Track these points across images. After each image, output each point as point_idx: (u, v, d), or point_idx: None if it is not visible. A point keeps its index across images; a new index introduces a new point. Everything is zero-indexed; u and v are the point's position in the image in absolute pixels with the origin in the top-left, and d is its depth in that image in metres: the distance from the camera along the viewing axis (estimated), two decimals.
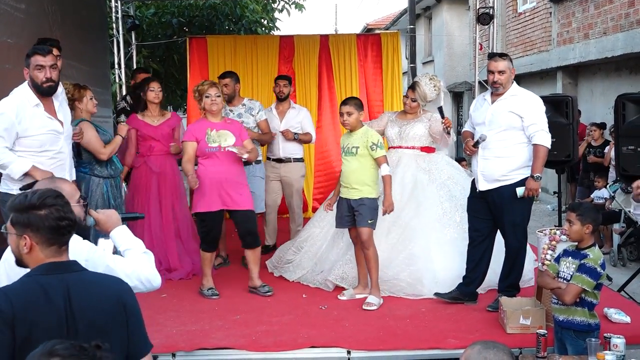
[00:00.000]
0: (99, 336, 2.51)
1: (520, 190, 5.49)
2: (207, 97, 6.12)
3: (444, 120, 6.33)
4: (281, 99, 7.85)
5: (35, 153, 4.94)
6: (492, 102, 5.67)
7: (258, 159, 7.29)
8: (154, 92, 6.77)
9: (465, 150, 5.91)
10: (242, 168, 6.29)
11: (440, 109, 6.31)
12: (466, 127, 6.12)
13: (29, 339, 2.44)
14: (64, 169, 5.13)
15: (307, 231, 7.15)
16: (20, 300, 2.50)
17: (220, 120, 6.24)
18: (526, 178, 5.51)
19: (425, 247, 6.38)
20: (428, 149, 6.84)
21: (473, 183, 5.90)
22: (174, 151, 6.84)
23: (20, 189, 4.84)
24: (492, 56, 5.79)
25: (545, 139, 5.49)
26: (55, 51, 4.99)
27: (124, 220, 3.46)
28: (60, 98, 5.24)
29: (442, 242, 6.49)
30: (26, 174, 4.88)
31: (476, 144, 5.67)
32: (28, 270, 2.66)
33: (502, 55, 5.72)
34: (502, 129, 5.56)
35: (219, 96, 6.16)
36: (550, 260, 4.94)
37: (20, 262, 2.70)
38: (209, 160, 6.12)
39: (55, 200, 2.63)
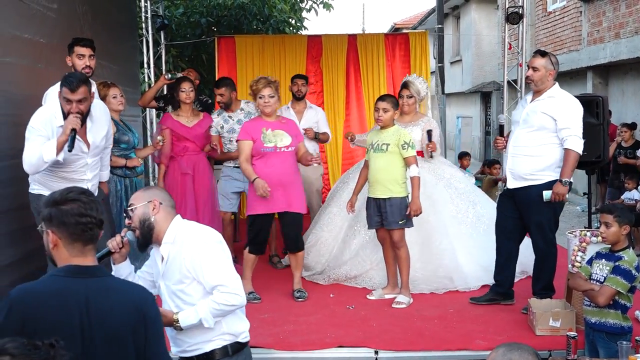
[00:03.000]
0: (116, 345, 2.52)
1: (547, 194, 5.42)
2: (260, 97, 5.94)
3: (429, 144, 6.50)
4: (299, 98, 7.81)
5: (58, 166, 4.87)
6: (531, 101, 5.65)
7: None
8: (185, 92, 6.74)
9: (495, 146, 5.87)
10: (297, 169, 6.10)
11: (428, 132, 6.37)
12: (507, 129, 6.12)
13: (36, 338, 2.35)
14: (82, 183, 4.96)
15: (316, 235, 7.10)
16: (34, 299, 2.47)
17: (276, 120, 6.05)
18: (555, 180, 5.45)
19: (448, 243, 6.49)
20: (420, 153, 6.73)
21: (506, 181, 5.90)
22: (207, 150, 6.86)
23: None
24: (535, 53, 5.77)
25: (577, 144, 5.39)
26: (83, 90, 4.73)
27: (100, 259, 3.41)
28: (95, 117, 5.09)
29: (460, 238, 6.59)
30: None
31: (501, 132, 5.64)
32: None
33: (543, 54, 5.65)
34: (534, 129, 5.52)
35: (272, 97, 5.94)
36: (580, 263, 4.89)
37: (52, 261, 2.68)
38: (263, 161, 5.92)
39: (78, 196, 2.61)
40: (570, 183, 5.44)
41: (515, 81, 10.28)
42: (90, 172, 5.13)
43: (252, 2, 14.60)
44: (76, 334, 2.47)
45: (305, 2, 15.93)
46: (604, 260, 4.45)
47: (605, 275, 4.36)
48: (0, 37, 5.39)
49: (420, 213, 5.89)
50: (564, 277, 5.70)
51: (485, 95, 23.89)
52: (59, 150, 4.66)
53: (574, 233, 5.63)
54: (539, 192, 5.47)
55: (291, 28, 15.73)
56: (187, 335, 3.41)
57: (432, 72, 14.80)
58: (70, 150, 4.69)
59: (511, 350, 2.40)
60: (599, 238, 4.63)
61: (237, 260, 7.31)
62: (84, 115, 4.81)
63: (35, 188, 5.03)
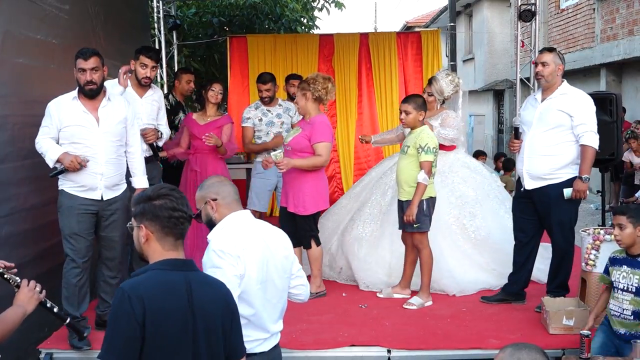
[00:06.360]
0: (214, 335, 2.68)
1: (567, 192, 5.39)
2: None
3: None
4: (295, 99, 7.79)
5: (68, 143, 4.98)
6: (542, 100, 5.60)
7: None
8: (214, 92, 6.89)
9: (510, 149, 5.82)
10: (298, 169, 5.98)
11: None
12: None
13: (155, 335, 2.52)
14: (97, 163, 5.04)
15: (321, 223, 6.83)
16: (150, 298, 2.55)
17: (307, 119, 6.15)
18: (574, 178, 5.42)
19: (438, 252, 6.22)
20: (446, 148, 6.69)
21: (518, 183, 5.82)
22: (213, 143, 6.60)
23: (50, 176, 4.95)
24: (541, 50, 5.74)
25: (593, 140, 5.39)
26: (95, 60, 4.96)
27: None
28: (113, 98, 5.21)
29: (454, 249, 6.46)
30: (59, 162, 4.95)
31: (517, 135, 5.60)
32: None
33: (550, 50, 5.65)
34: (550, 127, 5.47)
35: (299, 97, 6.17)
36: (594, 261, 4.85)
37: (142, 257, 2.79)
38: None
39: (169, 192, 2.75)
40: (588, 179, 5.42)
41: (528, 79, 10.23)
42: (104, 162, 5.08)
43: (264, 2, 14.60)
44: (187, 323, 2.60)
45: (317, 1, 15.91)
46: (625, 267, 4.31)
47: (636, 284, 4.19)
48: (13, 38, 5.41)
49: (413, 220, 5.73)
50: (578, 276, 5.68)
51: (497, 94, 23.81)
52: (55, 161, 4.93)
53: (587, 231, 5.60)
54: (559, 190, 5.44)
55: (303, 27, 15.70)
56: None
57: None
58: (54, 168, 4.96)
59: (519, 350, 2.38)
60: (613, 236, 4.54)
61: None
62: (97, 87, 5.01)
63: (60, 183, 5.06)
